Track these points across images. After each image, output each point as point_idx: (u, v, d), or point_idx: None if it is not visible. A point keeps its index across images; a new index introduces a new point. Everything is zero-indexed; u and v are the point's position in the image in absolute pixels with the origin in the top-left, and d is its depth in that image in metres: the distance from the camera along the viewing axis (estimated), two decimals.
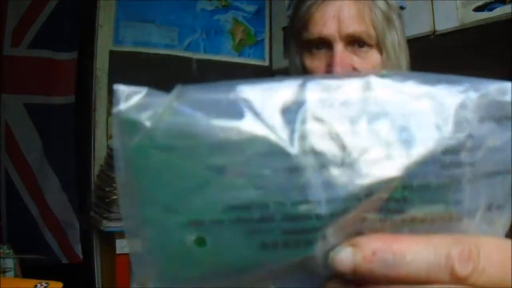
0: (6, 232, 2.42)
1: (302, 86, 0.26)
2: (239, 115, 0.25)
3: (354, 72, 0.83)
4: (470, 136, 0.26)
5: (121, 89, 0.25)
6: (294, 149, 0.25)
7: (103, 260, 2.49)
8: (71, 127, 2.65)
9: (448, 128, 0.25)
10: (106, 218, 2.23)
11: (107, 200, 2.25)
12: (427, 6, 2.05)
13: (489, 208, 0.26)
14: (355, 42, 0.85)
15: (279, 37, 3.00)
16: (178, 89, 0.26)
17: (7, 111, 2.53)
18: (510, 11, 1.72)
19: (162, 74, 2.61)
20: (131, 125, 0.25)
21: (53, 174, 2.57)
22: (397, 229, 0.26)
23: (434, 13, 2.03)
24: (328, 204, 0.24)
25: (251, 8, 3.08)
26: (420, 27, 2.05)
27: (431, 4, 2.04)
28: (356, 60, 0.84)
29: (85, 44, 2.68)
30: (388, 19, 0.87)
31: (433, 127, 0.25)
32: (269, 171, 0.24)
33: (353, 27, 0.84)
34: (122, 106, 0.25)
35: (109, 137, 2.64)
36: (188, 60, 2.89)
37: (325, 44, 0.85)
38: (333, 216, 0.25)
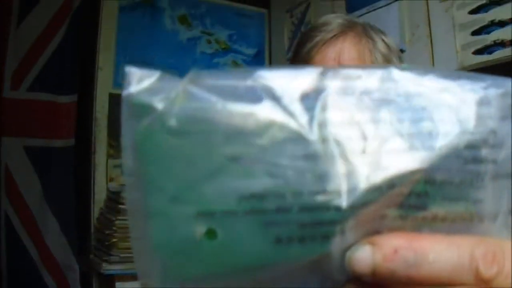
0: (6, 275, 2.38)
1: (322, 74, 0.25)
2: (257, 100, 0.24)
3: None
4: (492, 132, 0.25)
5: (133, 71, 0.24)
6: (313, 136, 0.23)
7: None
8: (71, 170, 2.63)
9: (471, 123, 0.24)
10: (106, 261, 2.21)
11: (107, 243, 2.23)
12: (427, 48, 2.06)
13: (510, 212, 0.25)
14: None
15: None
16: (192, 73, 0.24)
17: (7, 154, 2.51)
18: (510, 54, 1.74)
19: None
20: (141, 108, 0.23)
21: (53, 217, 2.54)
22: (417, 228, 0.24)
23: (434, 56, 2.04)
24: (348, 195, 0.23)
25: (251, 51, 3.10)
26: None
27: (430, 47, 2.05)
28: None
29: (84, 86, 2.69)
30: (388, 62, 0.87)
31: (455, 121, 0.24)
32: (286, 159, 0.23)
33: None
34: (133, 89, 0.24)
35: (109, 179, 2.63)
36: None
37: None
38: (353, 208, 0.23)
